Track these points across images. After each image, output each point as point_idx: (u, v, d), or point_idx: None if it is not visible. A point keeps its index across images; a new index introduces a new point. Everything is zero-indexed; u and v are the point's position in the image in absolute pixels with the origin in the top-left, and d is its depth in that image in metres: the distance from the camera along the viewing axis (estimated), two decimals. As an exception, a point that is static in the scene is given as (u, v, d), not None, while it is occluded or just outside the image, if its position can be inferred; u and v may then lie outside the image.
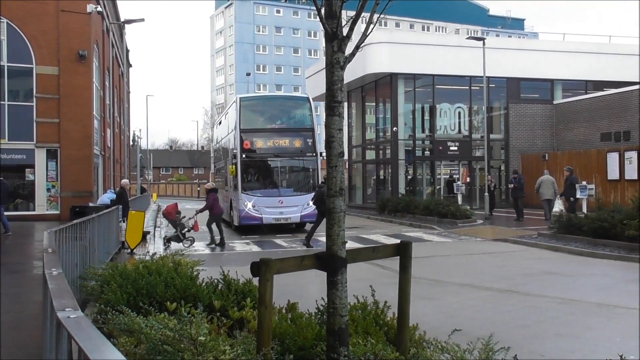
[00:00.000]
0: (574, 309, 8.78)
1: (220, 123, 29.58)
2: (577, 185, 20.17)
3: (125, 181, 21.83)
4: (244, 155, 20.39)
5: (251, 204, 19.94)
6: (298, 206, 19.96)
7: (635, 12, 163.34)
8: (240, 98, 21.79)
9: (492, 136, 31.11)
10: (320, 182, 19.44)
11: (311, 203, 18.90)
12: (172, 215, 16.99)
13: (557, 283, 11.03)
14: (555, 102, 32.47)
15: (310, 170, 21.19)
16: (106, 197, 20.00)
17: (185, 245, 16.36)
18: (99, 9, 26.54)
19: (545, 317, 8.26)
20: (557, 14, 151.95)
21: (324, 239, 4.74)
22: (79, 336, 2.33)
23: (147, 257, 7.98)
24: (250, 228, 20.49)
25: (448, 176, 33.13)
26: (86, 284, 7.24)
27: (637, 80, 28.75)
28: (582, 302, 9.23)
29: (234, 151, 20.86)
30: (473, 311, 8.62)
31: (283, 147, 20.83)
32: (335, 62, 4.42)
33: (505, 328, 7.36)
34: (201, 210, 17.56)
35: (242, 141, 20.39)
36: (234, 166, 20.49)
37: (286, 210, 19.97)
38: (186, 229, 16.80)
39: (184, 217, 17.06)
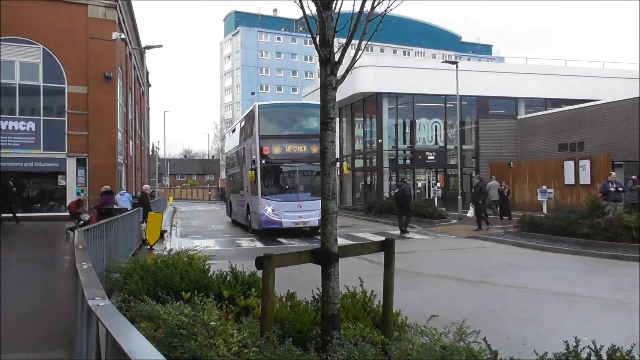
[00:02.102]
0: (536, 297, 8.79)
1: (233, 131, 27.51)
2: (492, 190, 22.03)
3: (146, 186, 21.71)
4: (263, 161, 18.64)
5: (271, 209, 18.35)
6: (316, 210, 17.87)
7: (588, 38, 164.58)
8: (258, 106, 19.75)
9: (464, 147, 31.24)
10: (397, 182, 20.34)
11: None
12: (73, 210, 17.08)
13: (521, 274, 11.06)
14: (519, 117, 32.61)
15: None
16: (126, 200, 19.63)
17: None
18: (123, 36, 26.54)
19: (511, 304, 8.27)
20: (521, 41, 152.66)
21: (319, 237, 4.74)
22: (107, 321, 2.34)
23: (165, 253, 7.97)
24: (267, 230, 18.97)
25: (432, 182, 33.19)
26: (111, 276, 7.21)
27: (588, 98, 29.02)
28: (543, 291, 9.25)
29: (253, 157, 19.05)
30: (448, 299, 8.63)
31: (300, 153, 19.00)
32: (328, 84, 4.43)
33: (476, 314, 7.37)
34: (96, 207, 17.59)
35: (261, 147, 18.64)
36: (253, 172, 18.71)
37: (305, 214, 18.34)
38: (82, 222, 16.32)
39: (82, 212, 16.99)
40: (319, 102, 4.69)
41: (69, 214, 17.86)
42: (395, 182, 22.07)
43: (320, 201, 4.67)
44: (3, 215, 20.52)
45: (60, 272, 10.40)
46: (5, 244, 15.76)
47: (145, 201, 18.89)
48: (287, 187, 19.46)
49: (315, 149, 19.38)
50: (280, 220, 18.36)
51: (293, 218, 18.44)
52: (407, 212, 19.39)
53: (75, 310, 4.10)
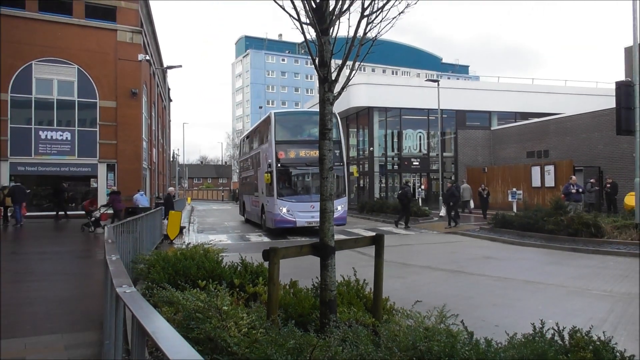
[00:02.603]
0: (507, 284, 8.77)
1: (247, 137, 25.68)
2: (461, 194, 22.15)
3: (171, 189, 21.70)
4: (279, 165, 17.42)
5: (286, 209, 17.23)
6: None
7: (555, 58, 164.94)
8: (274, 113, 18.40)
9: (445, 154, 31.24)
10: (402, 184, 20.52)
11: (339, 209, 17.13)
12: (87, 209, 17.30)
13: (494, 265, 11.04)
14: (492, 128, 32.61)
15: (338, 177, 17.61)
16: (144, 200, 19.45)
17: (91, 229, 16.23)
18: (147, 57, 26.56)
19: (484, 291, 8.25)
20: (494, 62, 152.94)
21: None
22: (133, 306, 2.34)
23: (184, 246, 7.96)
24: (281, 229, 17.71)
25: (416, 185, 33.18)
26: (137, 266, 7.20)
27: (552, 112, 29.04)
28: (513, 279, 9.22)
29: (269, 161, 17.83)
30: (431, 287, 8.61)
31: (313, 157, 17.28)
32: (326, 100, 4.43)
33: (455, 300, 7.36)
34: (104, 206, 17.71)
35: (277, 152, 17.49)
36: (269, 174, 17.50)
37: (317, 214, 16.90)
38: (94, 218, 16.47)
39: (95, 210, 17.11)
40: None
41: (84, 212, 17.93)
42: (400, 185, 22.87)
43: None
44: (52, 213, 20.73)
45: (92, 264, 10.38)
46: (45, 239, 15.75)
47: (169, 201, 18.91)
48: (300, 189, 18.26)
49: None
50: (294, 219, 17.28)
51: (306, 218, 17.30)
52: (407, 211, 19.89)
53: (105, 297, 4.09)
